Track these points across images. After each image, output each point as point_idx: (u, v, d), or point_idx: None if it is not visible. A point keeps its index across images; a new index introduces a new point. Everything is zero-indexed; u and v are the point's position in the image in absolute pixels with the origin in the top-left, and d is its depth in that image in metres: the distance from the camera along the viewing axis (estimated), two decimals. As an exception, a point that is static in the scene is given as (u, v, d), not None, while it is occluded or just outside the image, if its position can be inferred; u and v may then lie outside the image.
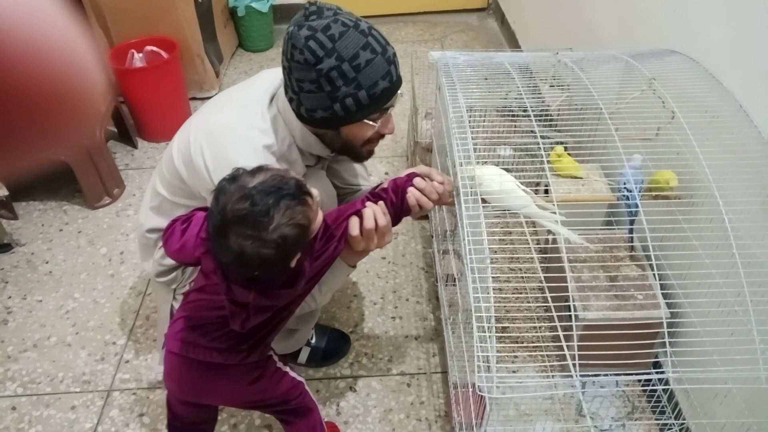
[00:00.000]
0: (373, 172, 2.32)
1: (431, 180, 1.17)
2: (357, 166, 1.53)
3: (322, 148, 1.24)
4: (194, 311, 1.12)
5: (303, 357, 1.62)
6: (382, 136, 1.23)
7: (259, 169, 0.97)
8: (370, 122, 1.15)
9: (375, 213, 1.11)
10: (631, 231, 1.34)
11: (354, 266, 1.26)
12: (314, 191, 1.00)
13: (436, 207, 1.88)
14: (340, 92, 1.08)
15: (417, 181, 1.15)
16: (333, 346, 1.66)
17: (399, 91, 1.18)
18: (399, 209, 1.15)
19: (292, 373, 1.24)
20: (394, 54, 1.15)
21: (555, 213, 1.09)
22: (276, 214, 0.92)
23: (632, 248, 1.41)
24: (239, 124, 1.17)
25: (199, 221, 1.10)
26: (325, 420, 1.48)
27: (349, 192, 1.54)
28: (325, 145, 1.22)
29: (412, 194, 1.14)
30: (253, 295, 1.01)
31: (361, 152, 1.24)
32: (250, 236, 0.92)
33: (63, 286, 1.91)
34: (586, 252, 1.45)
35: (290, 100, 1.15)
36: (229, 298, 1.02)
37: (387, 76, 1.11)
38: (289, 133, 1.20)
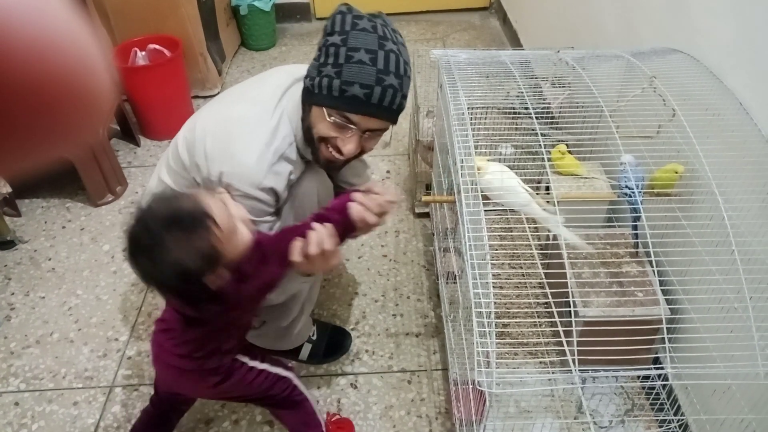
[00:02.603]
0: (375, 171, 2.33)
1: (371, 193, 1.12)
2: (358, 165, 1.54)
3: (307, 149, 1.25)
4: (167, 314, 1.18)
5: (304, 354, 1.63)
6: (340, 152, 1.18)
7: (173, 196, 0.99)
8: (326, 114, 1.13)
9: (320, 237, 1.05)
10: (635, 228, 1.35)
11: (310, 275, 1.24)
12: (223, 214, 0.97)
13: (435, 206, 1.89)
14: (325, 69, 1.11)
15: (355, 195, 1.10)
16: (334, 343, 1.67)
17: (387, 136, 1.19)
18: (343, 228, 1.10)
19: (274, 369, 1.24)
20: (395, 89, 1.12)
21: (555, 214, 1.09)
22: (172, 243, 0.91)
23: (636, 246, 1.41)
24: (251, 119, 1.18)
25: None
26: (340, 417, 1.49)
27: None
28: (302, 124, 1.21)
29: (354, 209, 1.08)
30: (183, 305, 1.06)
31: (318, 149, 1.20)
32: (147, 257, 0.93)
33: (66, 282, 1.92)
34: (587, 249, 1.45)
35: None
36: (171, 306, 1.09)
37: (367, 88, 1.09)
38: (291, 131, 1.21)
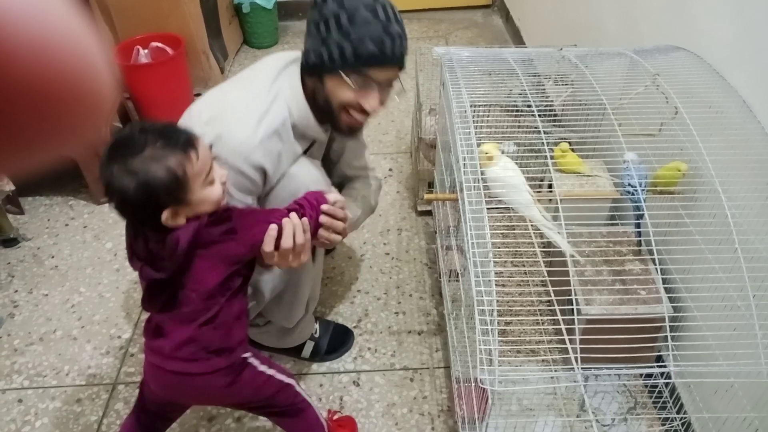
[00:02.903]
0: (376, 168, 2.32)
1: (335, 213, 1.16)
2: (358, 146, 1.52)
3: (315, 126, 1.26)
4: (156, 317, 1.14)
5: (307, 351, 1.63)
6: (363, 111, 1.21)
7: (173, 123, 1.02)
8: (348, 80, 1.16)
9: (295, 229, 1.07)
10: (637, 227, 1.34)
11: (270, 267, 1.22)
12: (207, 158, 1.00)
13: (437, 204, 1.89)
14: (331, 38, 1.12)
15: (324, 219, 1.14)
16: (337, 340, 1.67)
17: (400, 84, 1.20)
18: (314, 228, 1.14)
19: (279, 376, 1.21)
20: (400, 36, 1.16)
21: (552, 221, 1.10)
22: (148, 146, 0.94)
23: (639, 244, 1.41)
24: (245, 98, 1.21)
25: None
26: (341, 415, 1.49)
27: (355, 177, 1.55)
28: (314, 103, 1.23)
29: (323, 232, 1.14)
30: (139, 265, 1.06)
31: (339, 118, 1.23)
32: (118, 160, 0.94)
33: (69, 280, 1.93)
34: (589, 247, 1.45)
35: (303, 52, 1.21)
36: (135, 255, 1.07)
37: (379, 43, 1.12)
38: (287, 107, 1.21)
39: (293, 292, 1.41)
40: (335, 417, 1.47)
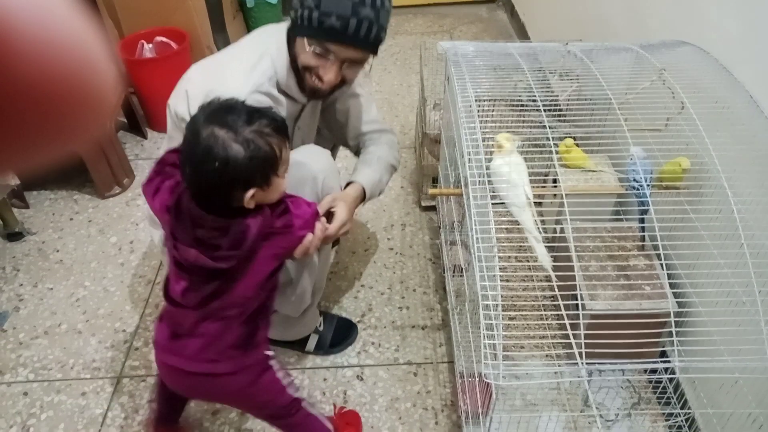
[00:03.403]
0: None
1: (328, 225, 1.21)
2: (362, 109, 1.53)
3: (294, 86, 1.30)
4: (173, 316, 1.12)
5: (311, 345, 1.63)
6: (321, 79, 1.25)
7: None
8: (306, 43, 1.21)
9: (323, 233, 1.15)
10: (642, 222, 1.34)
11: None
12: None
13: (441, 199, 1.88)
14: (306, 3, 1.18)
15: (317, 225, 1.14)
16: (340, 334, 1.67)
17: (369, 67, 1.25)
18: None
19: (291, 390, 1.20)
20: (371, 21, 1.18)
21: (540, 232, 1.10)
22: (256, 121, 0.97)
23: (643, 240, 1.41)
24: (232, 60, 1.28)
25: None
26: (346, 409, 1.49)
27: (369, 137, 1.55)
28: (293, 61, 1.27)
29: (307, 239, 1.12)
30: (195, 254, 1.02)
31: (304, 78, 1.28)
32: (226, 124, 0.94)
33: (73, 274, 1.93)
34: (594, 242, 1.45)
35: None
36: (174, 260, 1.05)
37: (343, 20, 1.16)
38: (272, 67, 1.26)
39: (298, 280, 1.42)
40: (341, 411, 1.48)
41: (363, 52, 1.24)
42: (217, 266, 1.02)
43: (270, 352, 1.17)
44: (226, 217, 1.01)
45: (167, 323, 1.12)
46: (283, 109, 1.30)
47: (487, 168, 1.13)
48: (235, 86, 1.18)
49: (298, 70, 1.27)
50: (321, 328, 1.63)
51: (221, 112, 0.97)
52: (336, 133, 1.60)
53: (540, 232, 1.12)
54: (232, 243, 1.01)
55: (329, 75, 1.24)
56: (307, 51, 1.22)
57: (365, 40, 1.20)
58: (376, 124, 1.56)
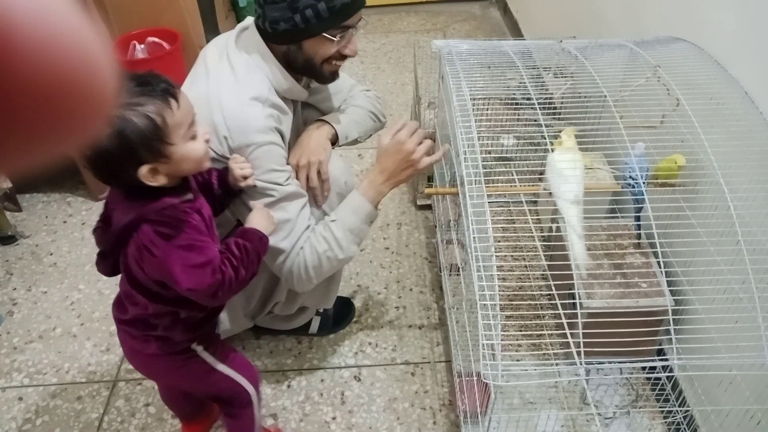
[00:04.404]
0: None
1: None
2: (333, 88, 1.45)
3: (295, 86, 1.24)
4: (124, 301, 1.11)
5: (314, 327, 1.66)
6: (344, 57, 1.23)
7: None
8: (330, 37, 1.16)
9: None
10: (637, 220, 1.34)
11: (377, 209, 1.27)
12: (188, 106, 0.96)
13: (437, 198, 1.88)
14: (300, 2, 1.11)
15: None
16: (340, 312, 1.71)
17: (363, 17, 1.20)
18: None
19: (236, 375, 1.20)
20: None
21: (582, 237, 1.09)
22: (126, 94, 0.87)
23: (639, 237, 1.41)
24: (215, 90, 1.16)
25: None
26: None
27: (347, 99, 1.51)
28: (288, 65, 1.21)
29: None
30: (96, 226, 1.03)
31: (322, 71, 1.24)
32: None
33: (68, 277, 1.92)
34: (590, 240, 1.45)
35: (257, 18, 1.18)
36: (104, 209, 1.03)
37: None
38: (265, 76, 1.19)
39: (332, 277, 1.42)
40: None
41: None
42: (99, 247, 1.04)
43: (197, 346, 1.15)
44: (136, 195, 0.95)
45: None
46: (290, 117, 1.26)
47: (545, 160, 1.13)
48: (247, 117, 1.13)
49: (296, 69, 1.23)
50: (322, 310, 1.64)
51: None
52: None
53: (582, 228, 1.11)
54: (114, 224, 0.98)
55: (354, 46, 1.22)
56: (328, 42, 1.17)
57: None
58: (353, 89, 1.51)
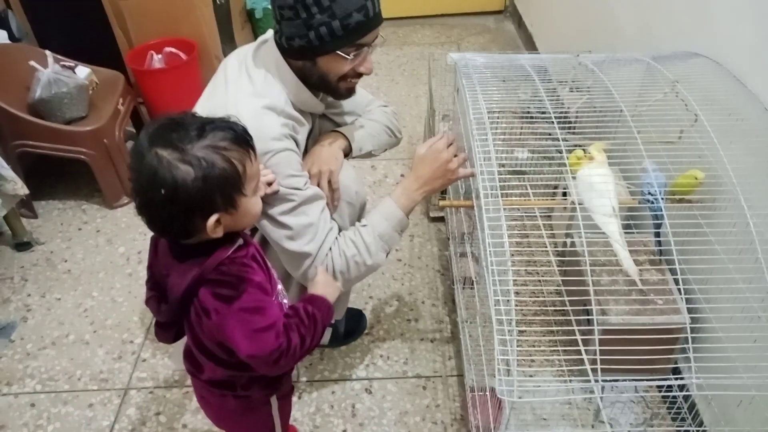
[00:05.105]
0: (388, 174, 2.32)
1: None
2: (351, 103, 1.45)
3: (312, 99, 1.25)
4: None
5: (326, 338, 1.66)
6: (359, 75, 1.23)
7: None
8: (344, 55, 1.16)
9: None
10: (657, 235, 1.32)
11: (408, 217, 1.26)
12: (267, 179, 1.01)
13: (451, 210, 1.87)
14: (315, 20, 1.11)
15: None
16: (352, 324, 1.71)
17: (380, 35, 1.20)
18: None
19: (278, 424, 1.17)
20: None
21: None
22: (208, 135, 0.83)
23: (661, 253, 1.39)
24: (233, 99, 1.17)
25: None
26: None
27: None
28: (304, 80, 1.22)
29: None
30: (149, 299, 0.94)
31: (338, 88, 1.24)
32: (171, 144, 0.80)
33: (81, 284, 1.93)
34: (606, 257, 1.43)
35: (275, 33, 1.19)
36: (151, 276, 0.97)
37: (362, 9, 1.12)
38: (282, 89, 1.20)
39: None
40: None
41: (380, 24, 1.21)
42: (158, 318, 0.96)
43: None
44: (187, 254, 0.89)
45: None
46: (307, 128, 1.27)
47: (573, 177, 1.12)
48: (264, 127, 1.12)
49: (312, 85, 1.24)
50: (333, 322, 1.63)
51: (166, 129, 0.83)
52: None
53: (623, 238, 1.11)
54: (169, 294, 0.90)
55: (369, 65, 1.22)
56: (342, 60, 1.17)
57: (380, 13, 1.18)
58: (371, 104, 1.51)
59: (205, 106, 1.23)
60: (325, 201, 1.24)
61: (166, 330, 0.98)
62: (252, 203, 0.91)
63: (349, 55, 1.16)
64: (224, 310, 0.88)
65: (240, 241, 0.93)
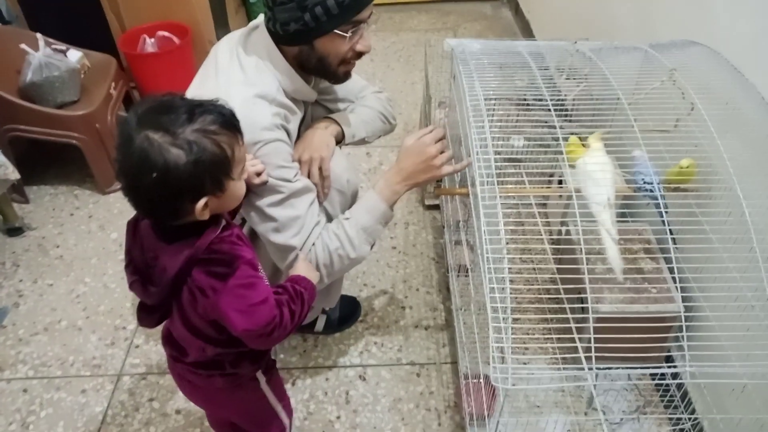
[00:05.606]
0: (383, 162, 2.31)
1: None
2: (344, 89, 1.44)
3: (305, 87, 1.23)
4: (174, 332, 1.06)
5: (320, 325, 1.66)
6: (358, 55, 1.21)
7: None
8: (342, 33, 1.14)
9: None
10: (664, 224, 1.31)
11: (392, 210, 1.25)
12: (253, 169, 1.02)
13: (446, 198, 1.87)
14: (309, 1, 1.09)
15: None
16: (346, 311, 1.71)
17: (373, 14, 1.18)
18: None
19: (277, 405, 1.19)
20: None
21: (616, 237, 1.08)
22: (198, 118, 0.83)
23: (675, 242, 1.38)
24: (224, 87, 1.15)
25: None
26: None
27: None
28: (302, 66, 1.20)
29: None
30: (133, 282, 0.93)
31: (337, 71, 1.22)
32: (161, 127, 0.80)
33: (74, 270, 1.92)
34: (599, 244, 1.43)
35: (267, 21, 1.17)
36: (131, 260, 0.95)
37: None
38: (274, 77, 1.18)
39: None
40: None
41: None
42: (147, 302, 0.95)
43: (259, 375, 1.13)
44: (176, 236, 0.89)
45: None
46: (299, 116, 1.26)
47: (571, 166, 1.12)
48: (254, 116, 1.10)
49: (309, 70, 1.22)
50: (327, 309, 1.63)
51: (156, 111, 0.83)
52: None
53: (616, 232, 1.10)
54: (158, 276, 0.90)
55: (367, 41, 1.20)
56: (340, 39, 1.15)
57: None
58: (365, 90, 1.49)
59: (195, 94, 1.21)
60: (314, 194, 1.23)
61: (151, 314, 0.98)
62: (238, 186, 0.92)
63: (347, 33, 1.14)
64: (220, 287, 0.89)
65: (223, 223, 0.95)
